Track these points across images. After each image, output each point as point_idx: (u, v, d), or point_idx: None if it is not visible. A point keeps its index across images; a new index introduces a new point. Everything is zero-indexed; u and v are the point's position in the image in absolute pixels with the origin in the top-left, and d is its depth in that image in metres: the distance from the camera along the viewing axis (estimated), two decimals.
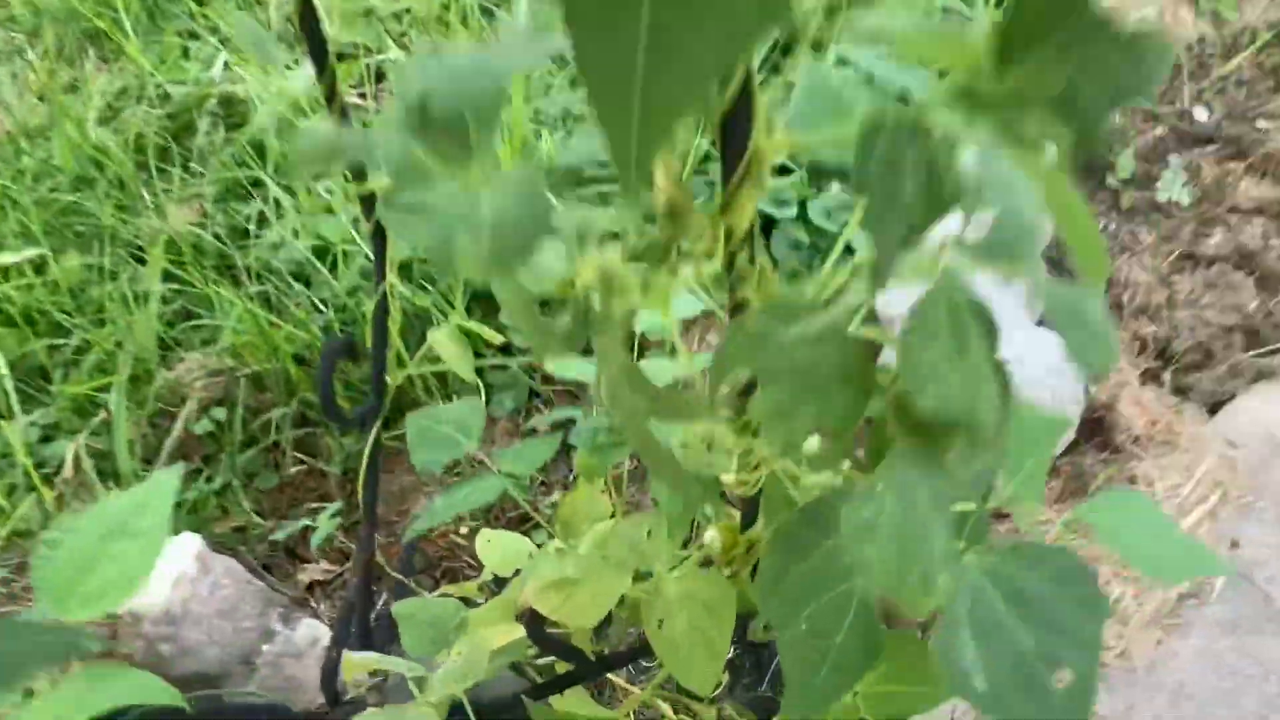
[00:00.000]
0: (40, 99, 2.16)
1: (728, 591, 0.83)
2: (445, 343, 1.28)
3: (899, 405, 0.59)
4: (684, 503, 0.87)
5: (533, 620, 0.90)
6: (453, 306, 1.64)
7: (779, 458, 0.70)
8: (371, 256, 1.20)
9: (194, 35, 2.27)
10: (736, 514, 0.96)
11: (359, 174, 1.16)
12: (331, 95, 1.02)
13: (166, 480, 1.10)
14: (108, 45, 2.28)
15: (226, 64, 2.14)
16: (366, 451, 1.27)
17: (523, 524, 1.59)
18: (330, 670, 1.27)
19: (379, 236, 1.20)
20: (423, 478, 1.67)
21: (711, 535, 0.95)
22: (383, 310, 1.24)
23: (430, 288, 1.67)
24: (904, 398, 0.57)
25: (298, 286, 1.72)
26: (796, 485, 0.86)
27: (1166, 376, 1.72)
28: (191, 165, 2.01)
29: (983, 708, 0.58)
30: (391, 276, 1.25)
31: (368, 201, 1.18)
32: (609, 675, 1.36)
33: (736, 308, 0.62)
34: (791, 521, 0.69)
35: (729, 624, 0.81)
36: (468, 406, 1.18)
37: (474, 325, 1.24)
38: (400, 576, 1.51)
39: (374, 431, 1.26)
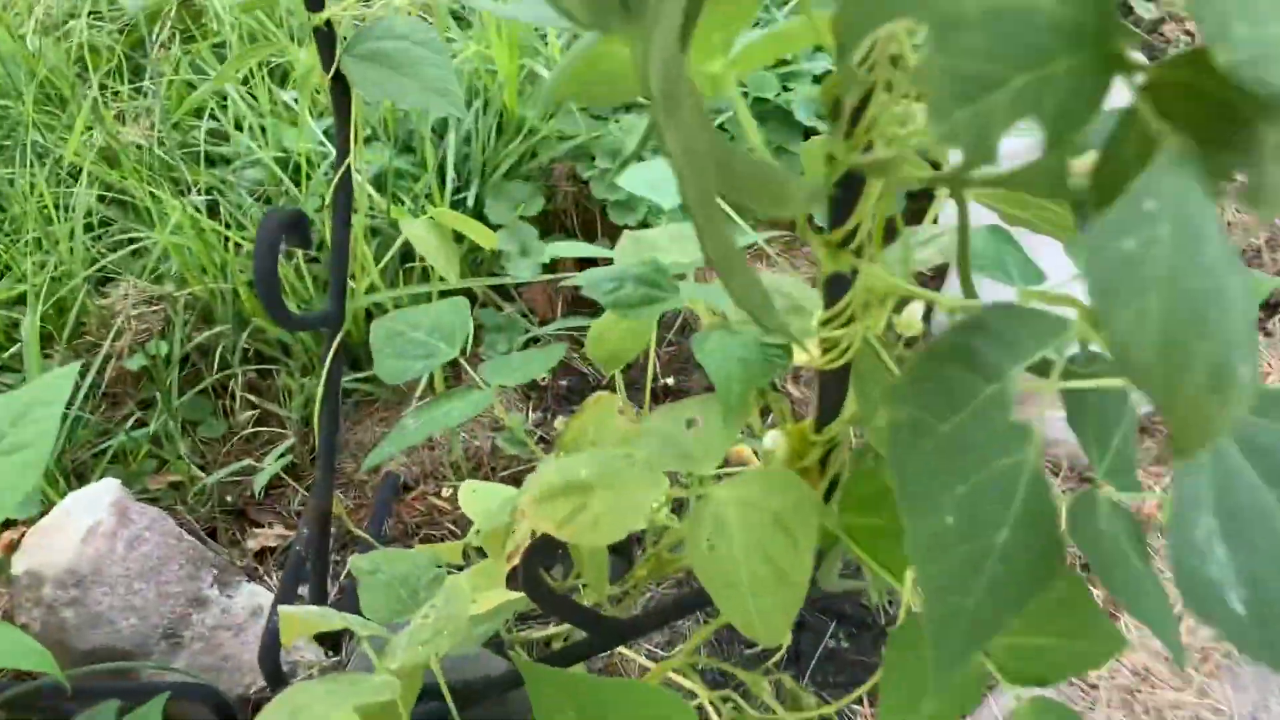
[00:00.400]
0: None
1: (805, 496, 0.58)
2: (423, 235, 1.02)
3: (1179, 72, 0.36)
4: (747, 360, 0.62)
5: (531, 560, 0.65)
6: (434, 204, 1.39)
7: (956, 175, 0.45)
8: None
9: None
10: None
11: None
12: None
13: (56, 382, 0.85)
14: None
15: None
16: (324, 371, 1.02)
17: (518, 483, 1.33)
18: (271, 643, 1.01)
19: (340, 92, 0.95)
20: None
21: (774, 438, 0.69)
22: (345, 192, 0.98)
23: (405, 199, 1.41)
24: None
25: (254, 205, 1.47)
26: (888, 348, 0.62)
27: None
28: (144, 82, 1.76)
29: (1242, 642, 0.38)
30: (358, 159, 0.99)
31: (325, 42, 0.93)
32: (624, 650, 1.10)
33: None
34: (938, 350, 0.45)
35: (809, 541, 0.56)
36: (449, 307, 0.93)
37: (461, 220, 0.98)
38: (370, 538, 1.25)
39: (333, 344, 1.01)
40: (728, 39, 0.53)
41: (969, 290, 0.50)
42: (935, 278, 1.49)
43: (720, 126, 1.59)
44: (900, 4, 0.34)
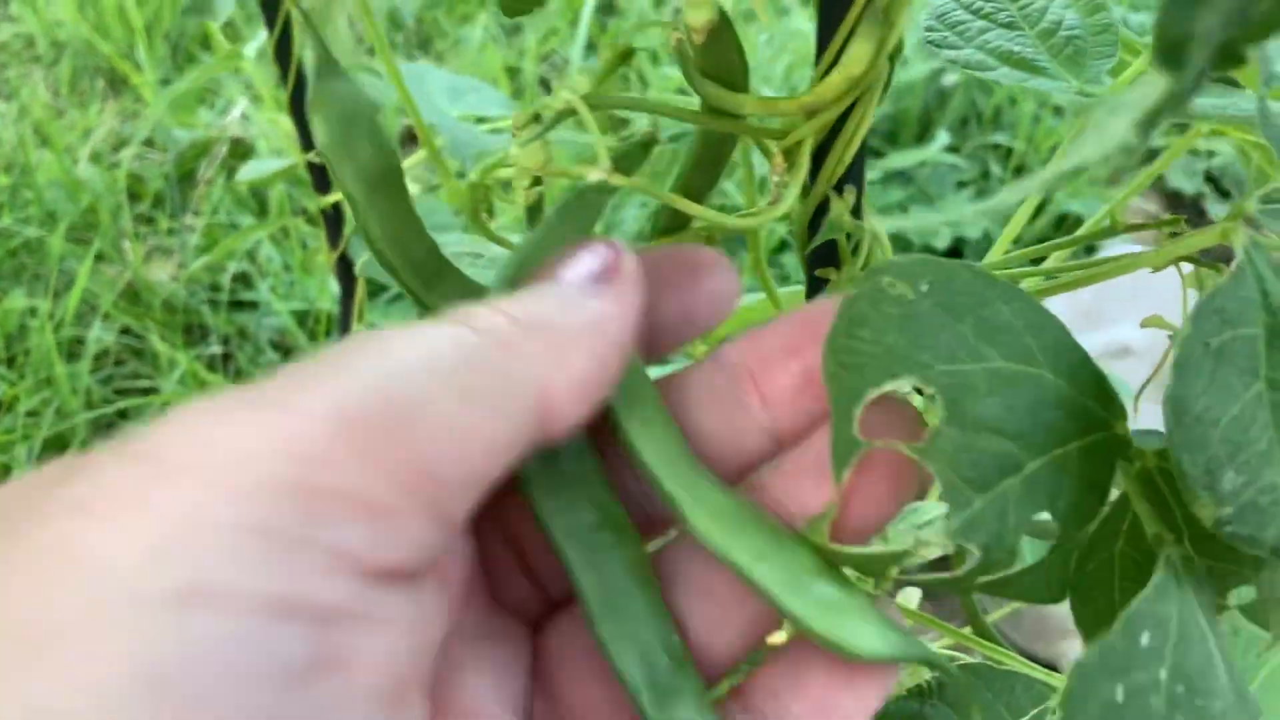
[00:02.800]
0: (40, 136, 1.93)
1: None
2: None
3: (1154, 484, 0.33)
4: None
5: None
6: None
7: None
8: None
9: (217, 80, 2.04)
10: None
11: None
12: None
13: None
14: (124, 85, 2.07)
15: (244, 114, 1.90)
16: None
17: None
18: None
19: (344, 269, 0.91)
20: None
21: None
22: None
23: None
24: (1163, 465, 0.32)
25: (272, 355, 1.43)
26: None
27: None
28: (185, 215, 1.76)
29: None
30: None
31: (331, 224, 0.89)
32: None
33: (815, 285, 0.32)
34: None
35: None
36: None
37: None
38: None
39: None
40: None
41: None
42: None
43: None
44: (899, 365, 0.28)
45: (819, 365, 0.31)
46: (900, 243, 1.52)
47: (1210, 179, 1.76)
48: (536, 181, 0.36)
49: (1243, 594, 0.34)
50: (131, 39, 2.09)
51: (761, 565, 0.29)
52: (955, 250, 1.56)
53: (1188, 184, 1.75)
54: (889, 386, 0.29)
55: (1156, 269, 0.36)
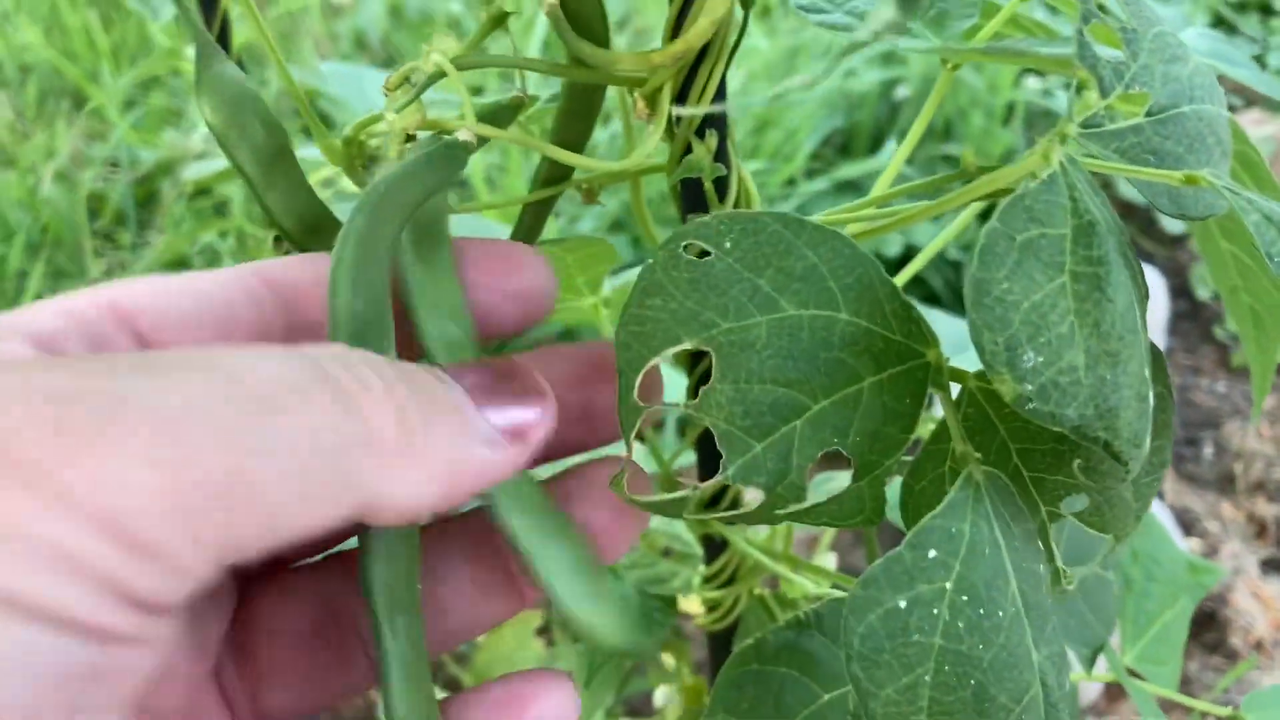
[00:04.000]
0: (4, 156, 1.95)
1: None
2: None
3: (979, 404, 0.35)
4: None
5: None
6: None
7: (755, 521, 0.41)
8: None
9: (181, 101, 2.06)
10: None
11: None
12: None
13: None
14: (89, 107, 2.08)
15: (207, 134, 1.92)
16: None
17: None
18: None
19: None
20: None
21: (666, 695, 0.62)
22: None
23: None
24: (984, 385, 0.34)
25: None
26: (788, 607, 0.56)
27: None
28: (148, 231, 1.77)
29: None
30: None
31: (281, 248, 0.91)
32: None
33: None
34: (765, 650, 0.40)
35: None
36: None
37: None
38: None
39: None
40: (594, 279, 0.50)
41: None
42: None
43: None
44: (683, 329, 0.30)
45: (599, 400, 0.34)
46: None
47: None
48: (411, 138, 0.37)
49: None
50: (97, 62, 2.11)
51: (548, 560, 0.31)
52: (906, 258, 1.59)
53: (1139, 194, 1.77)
54: (671, 351, 0.31)
55: (983, 202, 0.38)
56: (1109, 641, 0.49)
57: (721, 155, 0.39)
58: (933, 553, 0.30)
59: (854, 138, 1.72)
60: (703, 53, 0.37)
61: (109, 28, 2.22)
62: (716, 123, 0.38)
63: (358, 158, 0.37)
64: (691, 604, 0.62)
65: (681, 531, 0.61)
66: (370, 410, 0.25)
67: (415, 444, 0.25)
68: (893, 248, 1.54)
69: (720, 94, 0.38)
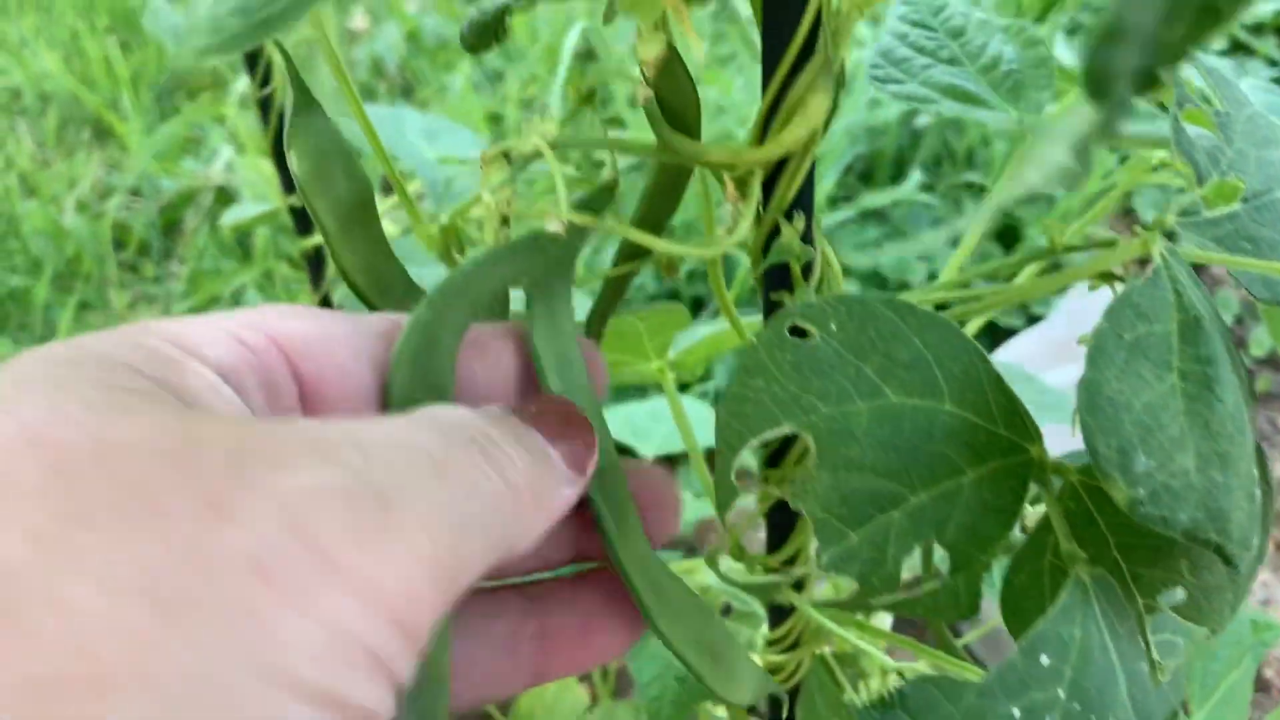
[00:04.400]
0: (26, 186, 1.95)
1: None
2: None
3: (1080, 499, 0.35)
4: (685, 679, 0.55)
5: None
6: None
7: (841, 610, 0.41)
8: None
9: (201, 129, 2.07)
10: None
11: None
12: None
13: None
14: (109, 135, 2.09)
15: (228, 162, 1.92)
16: None
17: None
18: None
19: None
20: None
21: None
22: None
23: None
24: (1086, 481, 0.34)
25: None
26: (857, 673, 0.56)
27: None
28: (170, 262, 1.77)
29: None
30: None
31: (313, 268, 0.91)
32: None
33: (771, 308, 0.33)
34: None
35: None
36: None
37: None
38: None
39: None
40: (662, 344, 0.50)
41: None
42: None
43: None
44: (783, 412, 0.30)
45: None
46: (876, 279, 1.54)
47: None
48: (506, 221, 0.37)
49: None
50: (117, 90, 2.12)
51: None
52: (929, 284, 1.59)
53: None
54: (769, 435, 0.31)
55: (1092, 287, 0.38)
56: (1179, 709, 0.49)
57: (807, 235, 0.39)
58: (1045, 659, 0.29)
59: (876, 166, 1.72)
60: None
61: (128, 54, 2.23)
62: (804, 203, 0.38)
63: (453, 243, 0.37)
64: None
65: (739, 590, 0.61)
66: (508, 467, 0.27)
67: (540, 500, 0.28)
68: (917, 276, 1.54)
69: (809, 177, 0.38)
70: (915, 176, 1.64)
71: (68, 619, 0.19)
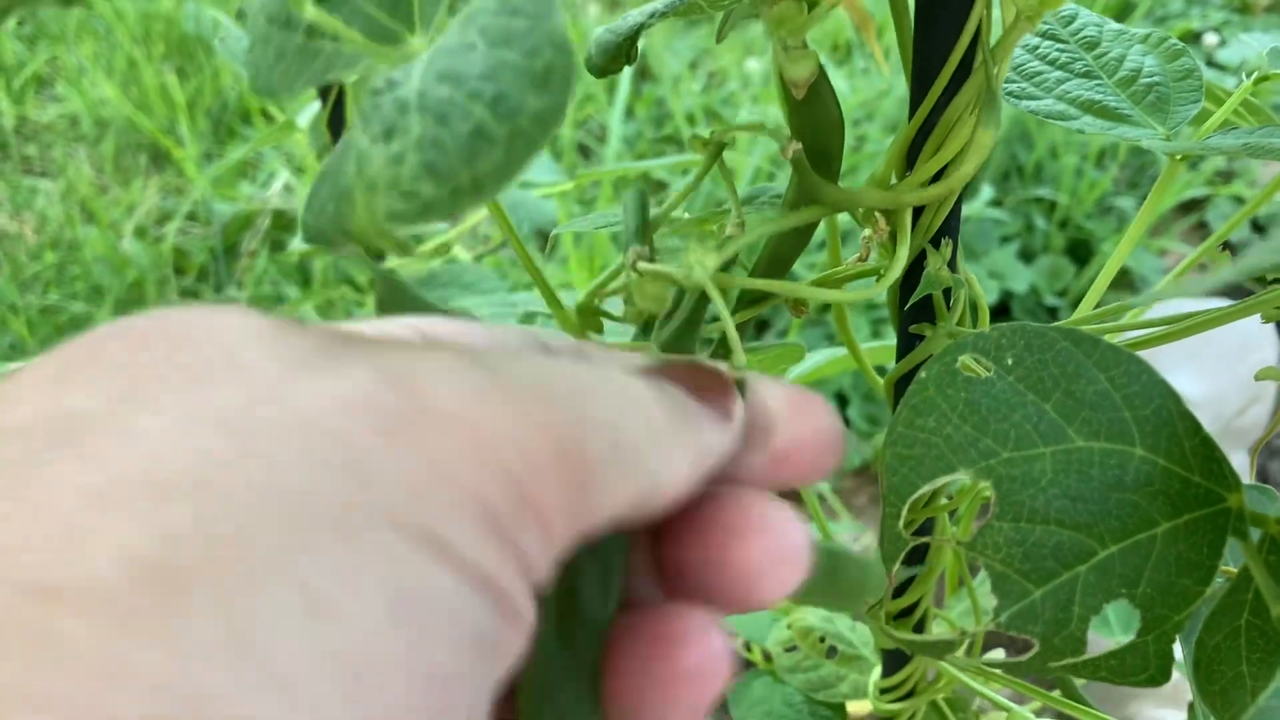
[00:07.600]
0: (85, 212, 1.96)
1: None
2: None
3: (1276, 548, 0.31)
4: None
5: None
6: None
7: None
8: None
9: (258, 154, 2.07)
10: None
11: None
12: None
13: None
14: (167, 161, 2.10)
15: (286, 185, 1.92)
16: None
17: None
18: None
19: None
20: None
21: None
22: None
23: None
24: None
25: None
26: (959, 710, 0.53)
27: None
28: (229, 287, 1.77)
29: None
30: None
31: None
32: None
33: (909, 342, 0.31)
34: None
35: None
36: None
37: None
38: None
39: None
40: (779, 374, 0.48)
41: None
42: None
43: None
44: (958, 456, 0.27)
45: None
46: None
47: None
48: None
49: None
50: (174, 115, 2.13)
51: None
52: (1003, 305, 1.55)
53: None
54: (942, 482, 0.28)
55: (1266, 320, 0.35)
56: None
57: (952, 263, 0.36)
58: None
59: None
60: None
61: (184, 81, 2.24)
62: (950, 229, 0.36)
63: (591, 324, 0.35)
64: (860, 707, 0.59)
65: (845, 631, 0.58)
66: (646, 402, 0.25)
67: (677, 429, 0.25)
68: (990, 295, 1.51)
69: (956, 204, 0.35)
70: (985, 192, 1.61)
71: (133, 441, 0.18)
